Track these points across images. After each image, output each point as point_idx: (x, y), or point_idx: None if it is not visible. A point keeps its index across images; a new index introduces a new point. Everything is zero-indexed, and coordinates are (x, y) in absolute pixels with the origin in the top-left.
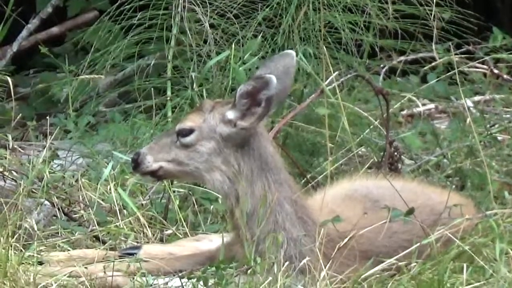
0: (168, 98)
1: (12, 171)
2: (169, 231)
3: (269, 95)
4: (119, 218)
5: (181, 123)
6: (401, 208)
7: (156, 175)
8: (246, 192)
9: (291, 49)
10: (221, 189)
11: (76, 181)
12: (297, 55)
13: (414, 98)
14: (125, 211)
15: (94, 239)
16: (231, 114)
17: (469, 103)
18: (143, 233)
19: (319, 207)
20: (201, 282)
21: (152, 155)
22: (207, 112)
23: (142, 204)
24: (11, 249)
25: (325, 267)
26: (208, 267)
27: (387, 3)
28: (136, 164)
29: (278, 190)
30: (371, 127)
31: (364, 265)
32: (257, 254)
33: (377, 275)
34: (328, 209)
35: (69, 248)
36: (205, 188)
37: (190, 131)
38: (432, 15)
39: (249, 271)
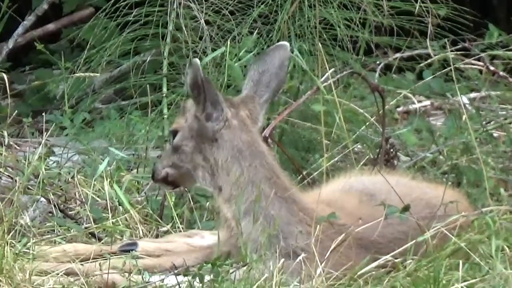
0: (164, 94)
1: (8, 168)
2: (165, 228)
3: (200, 79)
4: (114, 215)
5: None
6: (397, 202)
7: (167, 181)
8: (225, 181)
9: None
10: (205, 185)
11: (72, 177)
12: (292, 52)
13: (410, 95)
14: (120, 207)
15: (90, 235)
16: (194, 108)
17: (465, 100)
18: (139, 230)
19: (315, 202)
20: (197, 279)
21: (160, 162)
22: (187, 112)
23: (138, 201)
24: (7, 246)
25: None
26: (204, 264)
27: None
28: (152, 174)
29: (252, 173)
30: (367, 124)
31: (359, 254)
32: (240, 234)
33: (373, 272)
34: (325, 203)
35: (63, 242)
36: None
37: (175, 133)
38: (428, 12)
39: (245, 267)
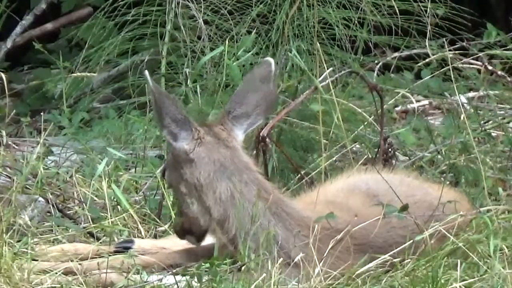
0: None
1: (6, 167)
2: (163, 228)
3: (152, 90)
4: (113, 214)
5: None
6: (400, 203)
7: (188, 232)
8: (212, 199)
9: (285, 45)
10: (194, 213)
11: (70, 177)
12: (291, 52)
13: (408, 94)
14: (119, 207)
15: (88, 235)
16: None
17: (463, 99)
18: (137, 229)
19: (318, 200)
20: (195, 279)
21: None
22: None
23: (136, 201)
24: (5, 246)
25: (317, 257)
26: (202, 264)
27: None
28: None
29: (244, 189)
30: (365, 123)
31: (359, 258)
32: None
33: (371, 272)
34: (325, 201)
35: (64, 241)
36: None
37: (164, 173)
38: (426, 12)
39: (243, 268)
